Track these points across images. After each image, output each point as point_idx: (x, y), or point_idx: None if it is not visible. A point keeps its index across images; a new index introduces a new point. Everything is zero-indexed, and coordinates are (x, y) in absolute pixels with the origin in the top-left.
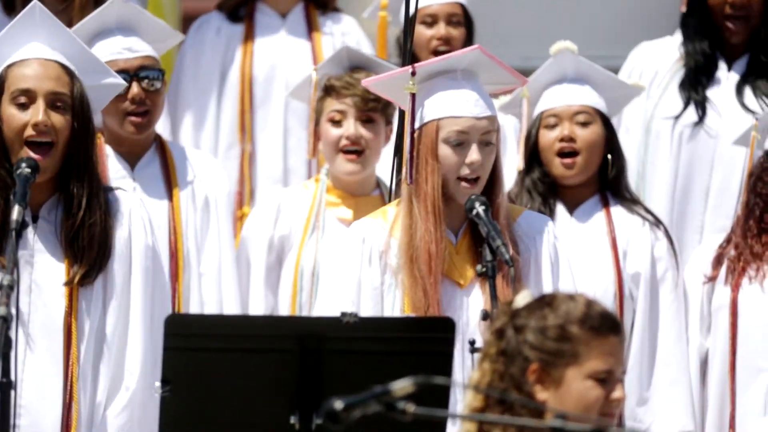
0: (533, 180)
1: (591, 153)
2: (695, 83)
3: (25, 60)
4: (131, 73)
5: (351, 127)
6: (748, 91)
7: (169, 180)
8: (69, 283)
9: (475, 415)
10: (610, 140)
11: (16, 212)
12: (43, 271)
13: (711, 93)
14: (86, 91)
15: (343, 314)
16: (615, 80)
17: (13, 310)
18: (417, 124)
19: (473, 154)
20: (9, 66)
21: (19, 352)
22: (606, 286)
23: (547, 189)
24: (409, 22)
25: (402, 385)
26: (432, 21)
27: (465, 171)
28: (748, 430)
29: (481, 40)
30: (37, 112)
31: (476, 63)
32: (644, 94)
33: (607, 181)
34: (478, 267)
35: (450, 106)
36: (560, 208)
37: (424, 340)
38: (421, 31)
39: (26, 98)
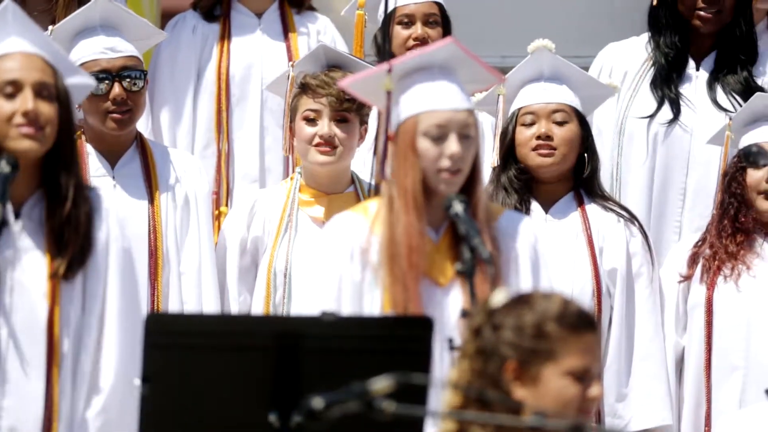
0: (509, 177)
1: (567, 150)
2: (667, 80)
3: (8, 54)
4: (113, 73)
5: (325, 126)
6: (719, 89)
7: (150, 178)
8: (53, 276)
9: (454, 412)
10: (586, 139)
11: None
12: (26, 269)
13: (683, 90)
14: None
15: (323, 313)
16: (591, 80)
17: None
18: (395, 122)
19: (452, 146)
20: None
21: (1, 351)
22: (584, 282)
23: (522, 186)
24: (389, 21)
25: (381, 384)
26: (409, 21)
27: (445, 163)
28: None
29: (458, 39)
30: (26, 101)
31: (452, 57)
32: (616, 95)
33: (581, 179)
34: (457, 265)
35: (427, 100)
36: (535, 206)
37: (403, 339)
38: (398, 32)
39: (13, 88)
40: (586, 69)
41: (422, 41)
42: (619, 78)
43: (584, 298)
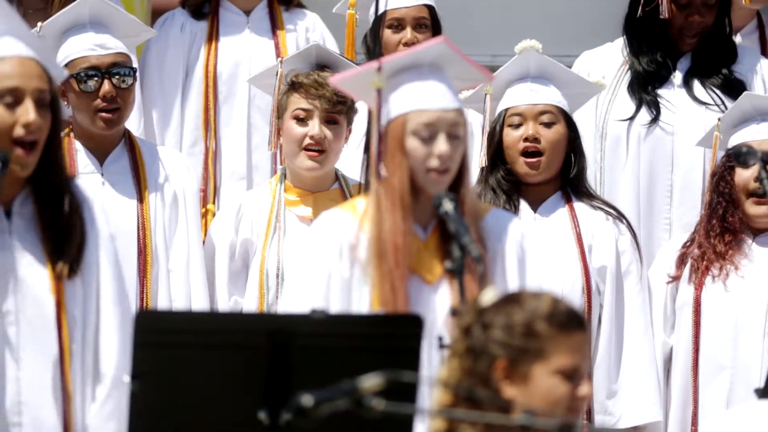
0: (497, 178)
1: (555, 153)
2: (644, 84)
3: (5, 57)
4: (103, 71)
5: (316, 127)
6: (696, 84)
7: (138, 176)
8: (58, 277)
9: (445, 411)
10: (573, 139)
11: None
12: (26, 268)
13: (661, 91)
14: None
15: (313, 311)
16: (578, 78)
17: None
18: (384, 120)
19: (441, 145)
20: None
21: (12, 350)
22: (574, 281)
23: (510, 187)
24: (379, 24)
25: (371, 382)
26: (399, 25)
27: (434, 163)
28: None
29: (448, 37)
30: (27, 112)
31: (442, 56)
32: (595, 98)
33: (568, 178)
34: (447, 263)
35: (416, 99)
36: (524, 206)
37: (393, 337)
38: (388, 36)
39: (13, 97)
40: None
41: (412, 46)
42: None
43: (574, 295)
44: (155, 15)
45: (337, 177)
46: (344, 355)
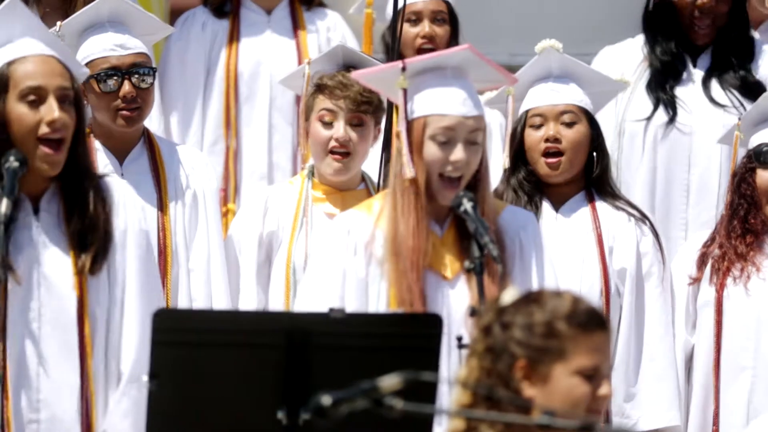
0: (519, 179)
1: (576, 153)
2: (662, 83)
3: (26, 57)
4: (123, 71)
5: (341, 129)
6: (715, 85)
7: (158, 175)
8: (80, 273)
9: (463, 411)
10: (595, 138)
11: (4, 206)
12: (51, 264)
13: (679, 91)
14: None
15: (331, 310)
16: (600, 76)
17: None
18: (404, 119)
19: (458, 153)
20: (8, 63)
21: (32, 347)
22: (592, 282)
23: (533, 188)
24: (398, 19)
25: (390, 381)
26: (416, 19)
27: (448, 168)
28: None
29: (467, 37)
30: (52, 110)
31: (466, 62)
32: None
33: (591, 178)
34: (466, 263)
35: (438, 103)
36: (546, 206)
37: (412, 336)
38: (406, 29)
39: (36, 96)
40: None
41: (430, 39)
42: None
43: (592, 297)
44: (173, 14)
45: (364, 178)
46: (363, 354)
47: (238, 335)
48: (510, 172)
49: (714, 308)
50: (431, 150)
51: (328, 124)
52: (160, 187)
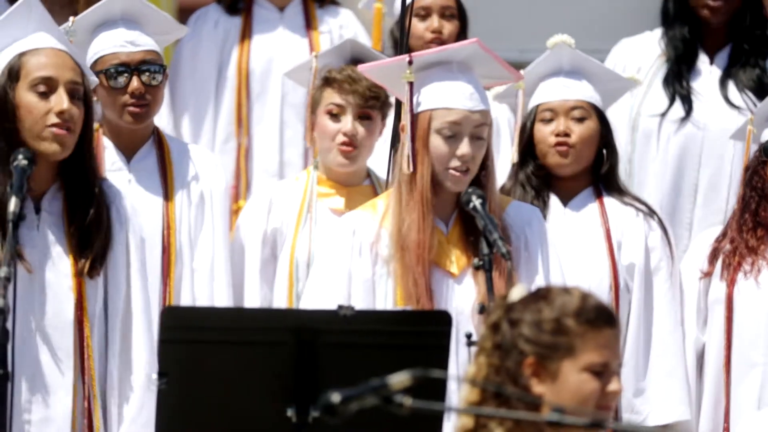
0: (527, 174)
1: (585, 148)
2: (679, 77)
3: (39, 49)
4: (132, 67)
5: (348, 123)
6: (731, 86)
7: (165, 173)
8: (79, 274)
9: (473, 408)
10: (605, 135)
11: (13, 204)
12: (51, 263)
13: (695, 86)
14: None
15: (340, 307)
16: (611, 73)
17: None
18: (409, 113)
19: (464, 147)
20: (21, 54)
21: (29, 345)
22: (601, 277)
23: (541, 182)
24: (406, 13)
25: (399, 379)
26: (425, 14)
27: (455, 163)
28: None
29: (476, 32)
30: (61, 101)
31: (473, 56)
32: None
33: (599, 174)
34: (475, 260)
35: (444, 97)
36: (554, 200)
37: (421, 334)
38: (414, 24)
39: (46, 87)
40: (604, 63)
41: (438, 34)
42: (633, 73)
43: (602, 292)
44: (182, 12)
45: (369, 174)
46: (372, 351)
47: (247, 333)
48: (518, 167)
49: (724, 304)
50: (437, 144)
51: (336, 117)
52: (167, 185)
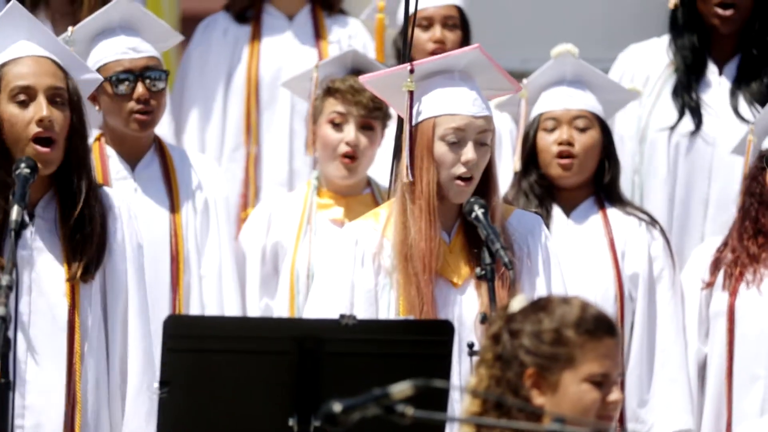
0: (530, 183)
1: (588, 158)
2: (688, 88)
3: (19, 58)
4: (136, 73)
5: (351, 132)
6: (741, 99)
7: (170, 182)
8: (71, 279)
9: (475, 418)
10: (607, 145)
11: (15, 212)
12: (44, 269)
13: (704, 97)
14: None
15: (342, 316)
16: (614, 84)
17: (12, 311)
18: (414, 122)
19: (469, 153)
20: (2, 65)
21: (21, 352)
22: (606, 287)
23: (543, 192)
24: (408, 23)
25: (401, 388)
26: (428, 24)
27: (460, 170)
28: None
29: (478, 41)
30: (41, 108)
31: (474, 63)
32: (637, 101)
33: (602, 184)
34: (477, 270)
35: (447, 103)
36: (557, 210)
37: (423, 343)
38: (417, 34)
39: (26, 95)
40: (607, 72)
41: (441, 44)
42: (641, 83)
43: (607, 302)
44: (185, 20)
45: (369, 183)
46: (374, 361)
47: (249, 342)
48: (521, 176)
49: (726, 316)
50: (442, 151)
51: (338, 127)
52: (172, 193)
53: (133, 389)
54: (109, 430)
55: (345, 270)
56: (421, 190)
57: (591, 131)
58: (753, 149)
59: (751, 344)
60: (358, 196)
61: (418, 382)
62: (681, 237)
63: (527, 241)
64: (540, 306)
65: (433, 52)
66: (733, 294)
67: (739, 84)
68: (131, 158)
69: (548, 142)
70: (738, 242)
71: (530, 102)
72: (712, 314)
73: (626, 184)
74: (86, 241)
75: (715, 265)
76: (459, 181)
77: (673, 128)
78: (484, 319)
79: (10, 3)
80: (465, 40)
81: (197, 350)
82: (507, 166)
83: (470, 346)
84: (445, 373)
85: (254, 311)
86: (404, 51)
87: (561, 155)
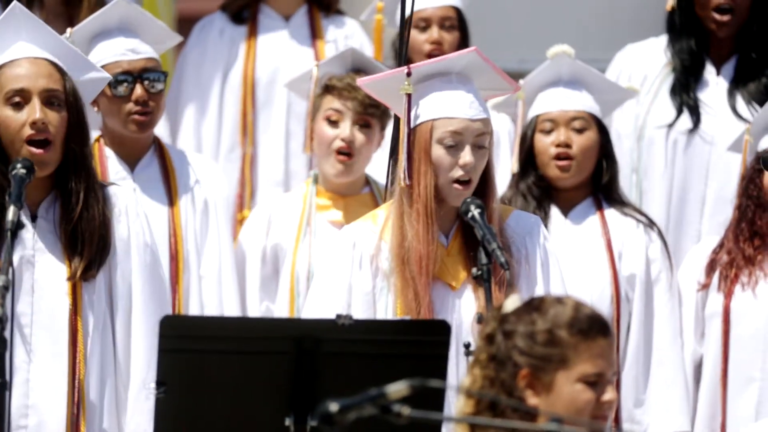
0: (528, 184)
1: (586, 158)
2: (686, 87)
3: (15, 60)
4: (135, 75)
5: (347, 129)
6: (739, 98)
7: (169, 182)
8: (71, 278)
9: (470, 418)
10: (605, 145)
11: (11, 213)
12: (45, 270)
13: (702, 97)
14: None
15: (338, 316)
16: (610, 84)
17: (9, 311)
18: (411, 125)
19: (466, 156)
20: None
21: (23, 352)
22: (602, 288)
23: (541, 193)
24: (405, 25)
25: (397, 388)
26: (425, 25)
27: (458, 173)
28: None
29: (476, 43)
30: (34, 111)
31: (472, 66)
32: (635, 99)
33: (600, 184)
34: (474, 270)
35: (445, 106)
36: (555, 211)
37: (420, 343)
38: (415, 35)
39: (21, 98)
40: (605, 72)
41: (438, 45)
42: (638, 82)
43: (603, 303)
44: (181, 22)
45: (368, 182)
46: (371, 361)
47: (246, 342)
48: (519, 177)
49: (721, 317)
50: (439, 154)
51: (334, 123)
52: (171, 194)
53: (135, 387)
54: (116, 429)
55: (343, 272)
56: (418, 194)
57: (588, 132)
58: (750, 149)
59: (746, 346)
60: (357, 195)
61: (414, 382)
62: (677, 235)
63: (525, 243)
64: (533, 306)
65: (430, 54)
66: (728, 296)
67: (736, 84)
68: (130, 159)
69: (546, 144)
70: (734, 244)
71: (527, 103)
72: (708, 315)
73: (624, 182)
74: (86, 241)
75: (711, 267)
76: (457, 185)
77: (671, 126)
78: (480, 319)
79: (12, 4)
80: (463, 41)
81: (193, 350)
82: (505, 167)
83: (467, 346)
84: (442, 373)
85: (255, 314)
86: (401, 53)
87: (559, 157)
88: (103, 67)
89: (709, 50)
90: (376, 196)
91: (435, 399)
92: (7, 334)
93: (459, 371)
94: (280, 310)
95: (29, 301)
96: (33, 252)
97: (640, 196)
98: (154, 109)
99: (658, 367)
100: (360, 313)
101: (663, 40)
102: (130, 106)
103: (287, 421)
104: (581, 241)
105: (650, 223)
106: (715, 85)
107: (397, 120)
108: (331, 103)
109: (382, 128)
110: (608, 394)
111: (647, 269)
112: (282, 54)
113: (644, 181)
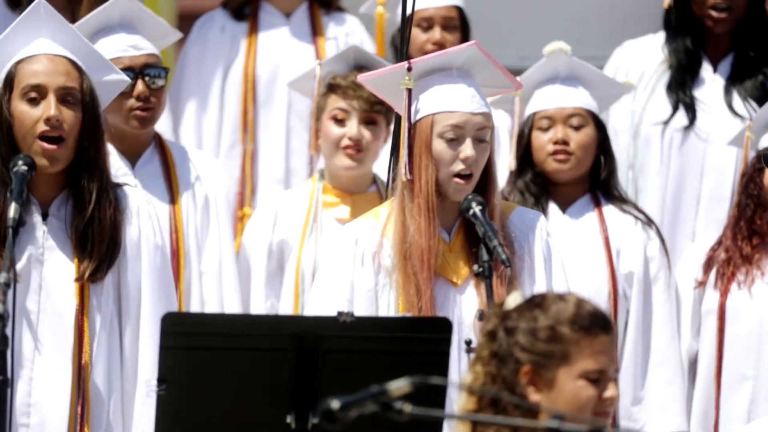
0: (525, 181)
1: (584, 155)
2: (682, 85)
3: (34, 56)
4: (136, 71)
5: (354, 127)
6: (735, 95)
7: (170, 178)
8: (79, 279)
9: (472, 415)
10: (602, 141)
11: (12, 210)
12: (54, 268)
13: (698, 94)
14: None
15: (340, 313)
16: (606, 79)
17: (10, 308)
18: (412, 120)
19: (467, 149)
20: (17, 62)
21: (28, 350)
22: (600, 285)
23: (539, 189)
24: (407, 21)
25: (399, 385)
26: (428, 25)
27: (459, 166)
28: None
29: (475, 39)
30: (49, 107)
31: (472, 60)
32: (631, 95)
33: (598, 181)
34: (475, 267)
35: (445, 101)
36: (553, 207)
37: (421, 340)
38: (416, 35)
39: (37, 94)
40: (603, 69)
41: (440, 46)
42: (635, 78)
43: (600, 300)
44: (183, 18)
45: (375, 180)
46: (372, 358)
47: (247, 339)
48: (516, 174)
49: (717, 315)
50: (440, 148)
51: (341, 122)
52: (172, 190)
53: (142, 389)
54: (122, 430)
55: (345, 269)
56: (420, 188)
57: (586, 129)
58: (750, 146)
59: (741, 345)
60: (364, 193)
61: (415, 379)
62: (672, 232)
63: (528, 239)
64: (535, 303)
65: None
66: (724, 294)
67: (733, 81)
68: (131, 155)
69: (543, 142)
70: (732, 242)
71: (524, 100)
72: (703, 312)
73: (619, 179)
74: (96, 242)
75: (708, 264)
76: (458, 179)
77: (666, 123)
78: (481, 316)
79: (36, 1)
80: (464, 41)
81: (195, 347)
82: (504, 163)
83: (468, 343)
84: (443, 370)
85: (260, 311)
86: (402, 48)
87: (556, 154)
88: None
89: (706, 48)
90: (382, 195)
91: (436, 396)
92: (8, 331)
93: (460, 368)
94: (285, 308)
95: (36, 299)
96: (42, 250)
97: (636, 193)
98: (156, 105)
99: (656, 366)
100: (362, 310)
101: (661, 37)
102: (132, 102)
103: (288, 419)
104: (579, 238)
105: (648, 221)
106: (711, 82)
107: (398, 117)
108: (337, 102)
109: (388, 124)
110: (610, 391)
111: (645, 267)
112: (282, 51)
113: (640, 177)
